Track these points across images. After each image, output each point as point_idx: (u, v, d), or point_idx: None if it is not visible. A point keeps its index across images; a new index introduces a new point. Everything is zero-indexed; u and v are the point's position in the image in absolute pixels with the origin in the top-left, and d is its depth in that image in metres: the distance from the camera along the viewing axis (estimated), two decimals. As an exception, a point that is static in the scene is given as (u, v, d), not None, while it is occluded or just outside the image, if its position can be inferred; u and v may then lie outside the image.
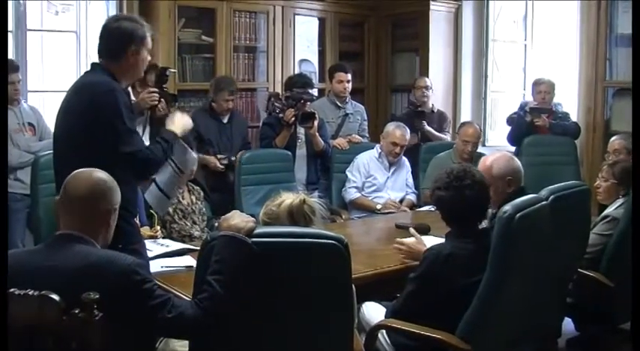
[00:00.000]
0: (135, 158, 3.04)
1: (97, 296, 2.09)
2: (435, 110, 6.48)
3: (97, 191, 2.51)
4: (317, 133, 5.61)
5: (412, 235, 3.73)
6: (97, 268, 2.28)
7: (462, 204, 3.09)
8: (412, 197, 5.76)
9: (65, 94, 3.24)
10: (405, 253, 3.63)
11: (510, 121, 6.22)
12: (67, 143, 3.13)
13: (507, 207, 2.82)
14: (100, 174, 2.55)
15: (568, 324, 3.99)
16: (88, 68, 3.33)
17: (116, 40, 3.19)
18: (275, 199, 2.77)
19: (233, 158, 5.41)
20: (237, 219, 2.45)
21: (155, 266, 3.37)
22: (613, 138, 5.02)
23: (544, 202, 3.13)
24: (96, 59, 3.26)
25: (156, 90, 4.35)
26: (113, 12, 5.70)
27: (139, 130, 3.97)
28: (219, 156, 5.40)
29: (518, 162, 3.76)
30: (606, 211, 4.08)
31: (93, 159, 2.79)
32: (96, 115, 3.02)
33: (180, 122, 3.39)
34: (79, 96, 3.14)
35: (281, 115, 5.48)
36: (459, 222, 3.16)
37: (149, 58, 3.32)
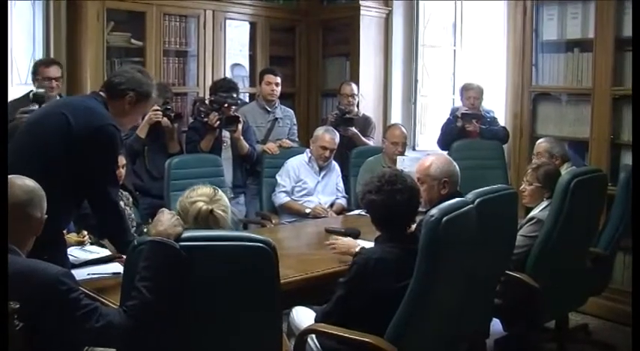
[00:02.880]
0: (106, 197, 3.14)
1: (18, 306, 2.03)
2: (361, 115, 6.49)
3: (34, 198, 2.47)
4: (241, 137, 5.60)
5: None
6: (21, 277, 2.21)
7: (393, 208, 3.11)
8: (342, 201, 5.79)
9: (47, 106, 3.24)
10: (338, 248, 3.69)
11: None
12: (35, 155, 3.07)
13: (434, 211, 2.84)
14: (32, 182, 2.51)
15: (496, 324, 4.06)
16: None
17: (123, 80, 3.23)
18: (194, 191, 2.86)
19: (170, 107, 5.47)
20: (165, 224, 2.43)
21: (82, 273, 3.31)
22: (539, 141, 5.10)
23: (470, 206, 3.15)
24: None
25: None
26: (40, 13, 5.56)
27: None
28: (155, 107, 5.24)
29: (456, 166, 3.83)
30: (531, 214, 4.17)
31: (52, 171, 2.81)
32: (93, 144, 3.05)
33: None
34: (75, 117, 3.10)
35: (206, 119, 5.49)
36: (389, 226, 3.18)
37: (139, 121, 3.31)
